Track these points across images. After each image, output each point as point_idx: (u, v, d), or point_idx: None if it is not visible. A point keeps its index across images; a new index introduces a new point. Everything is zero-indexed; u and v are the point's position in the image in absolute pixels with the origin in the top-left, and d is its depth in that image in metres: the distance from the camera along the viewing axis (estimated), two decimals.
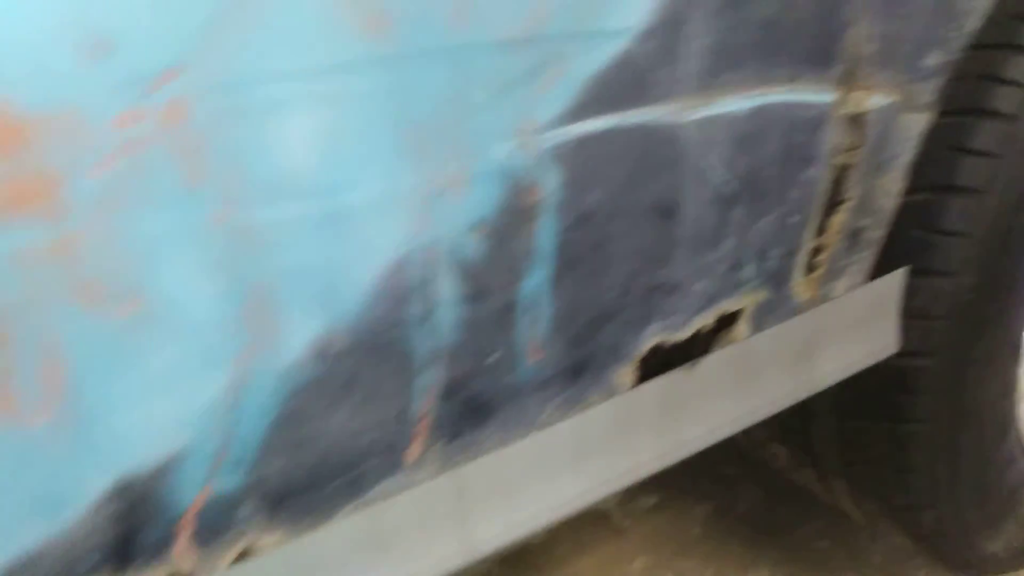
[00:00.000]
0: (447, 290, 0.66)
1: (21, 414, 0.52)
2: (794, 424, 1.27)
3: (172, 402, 0.58)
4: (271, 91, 0.52)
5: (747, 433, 1.09)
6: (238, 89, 0.51)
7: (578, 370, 0.79)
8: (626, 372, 0.83)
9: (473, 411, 0.75)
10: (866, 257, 0.99)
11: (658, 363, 0.85)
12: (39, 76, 0.45)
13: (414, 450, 0.73)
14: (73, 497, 0.57)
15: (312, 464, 0.68)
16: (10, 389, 0.51)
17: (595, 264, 0.75)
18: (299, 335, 0.61)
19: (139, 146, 0.49)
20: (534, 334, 0.74)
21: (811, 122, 0.85)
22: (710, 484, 1.72)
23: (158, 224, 0.52)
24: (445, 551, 0.74)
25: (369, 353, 0.65)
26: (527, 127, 0.65)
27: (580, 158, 0.69)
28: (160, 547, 0.64)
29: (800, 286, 0.94)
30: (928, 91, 0.93)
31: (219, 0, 0.48)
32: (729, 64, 0.74)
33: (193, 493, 0.63)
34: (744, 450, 1.48)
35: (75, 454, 0.56)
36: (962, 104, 0.98)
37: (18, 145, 0.46)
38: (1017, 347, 1.20)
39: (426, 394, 0.70)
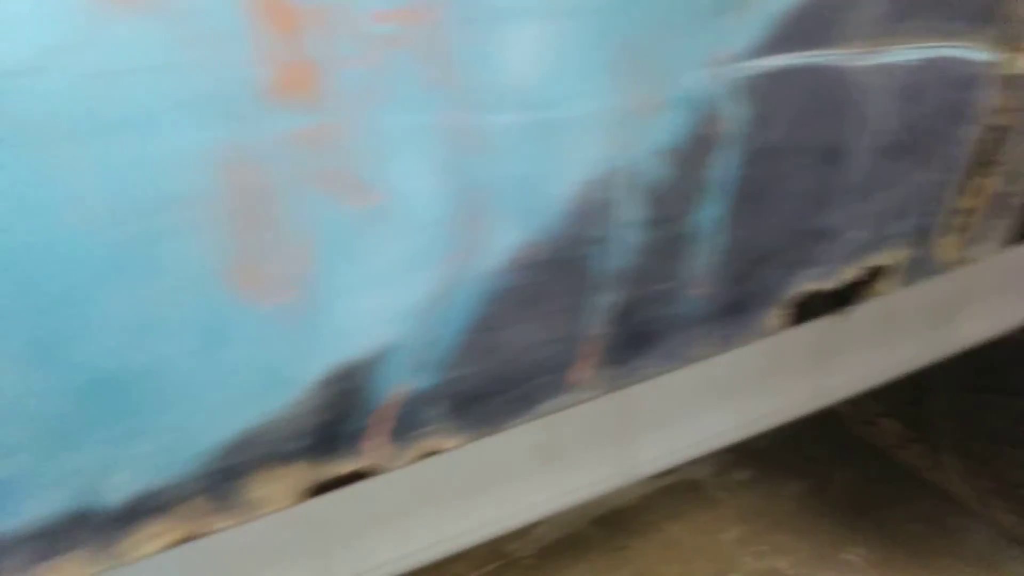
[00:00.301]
0: (630, 213, 0.70)
1: (266, 294, 0.58)
2: (909, 397, 1.28)
3: (389, 296, 0.62)
4: (505, 2, 0.57)
5: (856, 406, 1.11)
6: None
7: (733, 308, 0.82)
8: (776, 315, 0.86)
9: (636, 337, 0.78)
10: (1009, 224, 1.00)
11: (807, 309, 0.87)
12: None
13: (581, 370, 0.77)
14: (295, 379, 0.63)
15: (495, 372, 0.72)
16: (262, 268, 0.56)
17: (762, 202, 0.78)
18: (501, 243, 0.65)
19: (393, 43, 0.54)
20: (700, 267, 0.77)
21: (972, 79, 0.87)
22: (803, 462, 1.73)
23: (400, 121, 0.56)
24: (607, 470, 0.78)
25: (556, 268, 0.69)
26: (720, 57, 0.68)
27: (763, 93, 0.72)
28: (355, 439, 0.69)
29: (944, 246, 0.96)
30: None
31: None
32: (909, 12, 0.77)
33: (393, 388, 0.67)
34: (849, 424, 1.49)
35: (303, 337, 0.61)
36: None
37: (292, 30, 0.50)
38: None
39: (598, 315, 0.74)
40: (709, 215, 0.72)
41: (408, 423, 0.69)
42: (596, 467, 0.75)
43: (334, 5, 0.49)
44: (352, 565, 0.71)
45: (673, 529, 1.62)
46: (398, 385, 0.66)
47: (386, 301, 0.61)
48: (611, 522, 1.61)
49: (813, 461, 1.73)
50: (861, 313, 0.86)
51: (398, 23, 0.52)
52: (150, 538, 0.65)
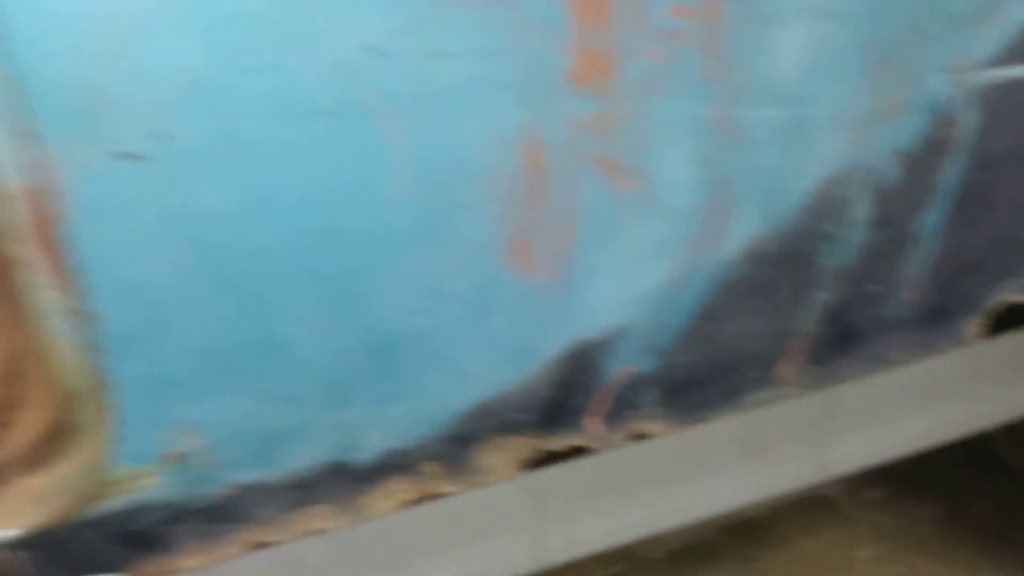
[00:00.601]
0: (860, 212, 0.72)
1: (532, 269, 0.62)
2: None
3: (634, 279, 0.66)
4: (783, 1, 0.60)
5: (1011, 428, 1.09)
6: None
7: (937, 314, 0.83)
8: (977, 324, 0.86)
9: (843, 337, 0.80)
10: None
11: (1005, 320, 0.87)
12: None
13: (787, 366, 0.79)
14: (539, 353, 0.67)
15: (709, 362, 0.75)
16: (533, 244, 0.60)
17: (980, 210, 0.79)
18: (739, 235, 0.68)
19: (679, 37, 0.57)
20: (913, 271, 0.79)
21: None
22: (941, 484, 1.70)
23: (672, 111, 0.60)
24: (803, 466, 0.80)
25: (784, 262, 0.71)
26: (963, 64, 0.70)
27: (995, 102, 0.73)
28: (577, 416, 0.72)
29: None
30: None
31: None
32: None
33: (617, 369, 0.71)
34: (997, 447, 1.47)
35: (555, 313, 0.65)
36: None
37: (601, 22, 0.54)
38: None
39: (813, 312, 0.76)
40: (931, 220, 0.74)
41: (623, 405, 0.73)
42: (793, 463, 0.77)
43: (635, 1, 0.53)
44: (564, 538, 0.74)
45: (805, 543, 1.61)
46: (623, 367, 0.70)
47: (631, 283, 0.65)
48: (741, 532, 1.61)
49: (952, 483, 1.70)
50: None
51: (689, 18, 0.55)
52: (386, 496, 0.69)
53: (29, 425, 0.60)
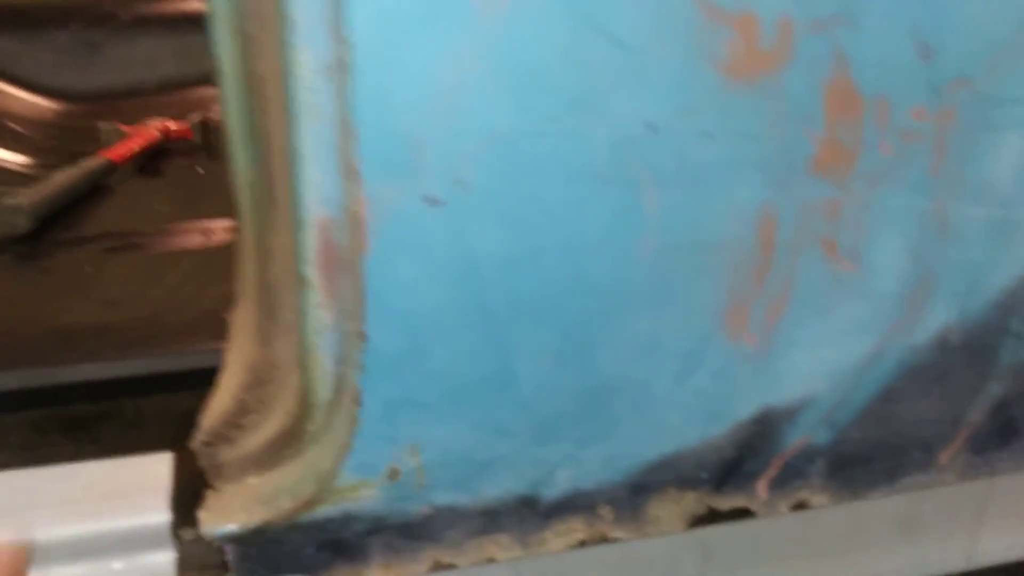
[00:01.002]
0: None
1: (742, 334, 0.67)
2: None
3: (832, 354, 0.71)
4: (1012, 111, 0.65)
5: None
6: (996, 104, 0.64)
7: None
8: None
9: (1004, 431, 0.83)
10: None
11: None
12: (878, 66, 0.59)
13: (949, 452, 0.82)
14: (730, 414, 0.72)
15: (877, 441, 0.79)
16: (749, 311, 0.65)
17: None
18: (932, 322, 0.72)
19: (914, 136, 0.63)
20: None
21: None
22: None
23: (895, 202, 0.65)
24: (955, 553, 0.82)
25: (968, 353, 0.76)
26: None
27: None
28: (750, 478, 0.77)
29: None
30: None
31: (1019, 23, 0.61)
32: None
33: (796, 438, 0.75)
34: None
35: (753, 378, 0.70)
36: None
37: (851, 115, 0.60)
38: None
39: (983, 403, 0.80)
40: None
41: (790, 473, 0.77)
42: (944, 548, 0.80)
43: (890, 98, 0.59)
44: None
45: None
46: (801, 436, 0.74)
47: (827, 358, 0.69)
48: None
49: None
50: None
51: (926, 120, 0.60)
52: (561, 534, 0.74)
53: (264, 429, 0.66)
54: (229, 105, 0.67)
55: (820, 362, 0.73)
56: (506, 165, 0.56)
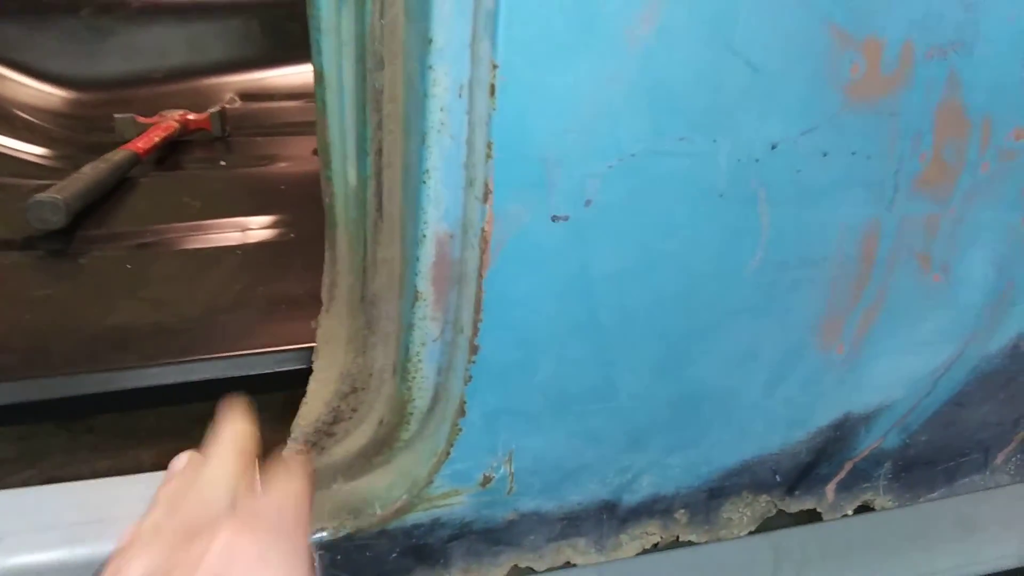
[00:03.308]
0: None
1: (832, 344, 0.74)
2: None
3: (912, 363, 0.78)
4: None
5: None
6: None
7: None
8: None
9: None
10: None
11: None
12: (987, 89, 0.65)
13: (1004, 454, 0.91)
14: (813, 420, 0.79)
15: (941, 444, 0.87)
16: (842, 322, 0.72)
17: None
18: (1008, 331, 0.80)
19: (1012, 155, 0.70)
20: None
21: None
22: None
23: (987, 218, 0.72)
24: (1009, 551, 0.92)
25: None
26: None
27: None
28: (821, 482, 0.84)
29: None
30: None
31: None
32: None
33: (869, 442, 0.83)
34: None
35: (837, 385, 0.77)
36: None
37: (959, 135, 0.66)
38: None
39: None
40: None
41: (857, 476, 0.85)
42: (1001, 546, 0.89)
43: (994, 119, 0.65)
44: None
45: None
46: (874, 441, 0.81)
47: (908, 366, 0.77)
48: None
49: None
50: None
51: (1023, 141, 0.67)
52: (636, 538, 0.81)
53: (356, 437, 0.71)
54: (333, 117, 0.70)
55: (901, 370, 0.80)
56: (633, 184, 0.61)
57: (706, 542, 0.85)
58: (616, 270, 0.65)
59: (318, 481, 0.75)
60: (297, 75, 1.91)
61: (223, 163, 1.51)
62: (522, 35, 0.55)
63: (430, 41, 0.56)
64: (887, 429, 0.84)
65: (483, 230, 0.60)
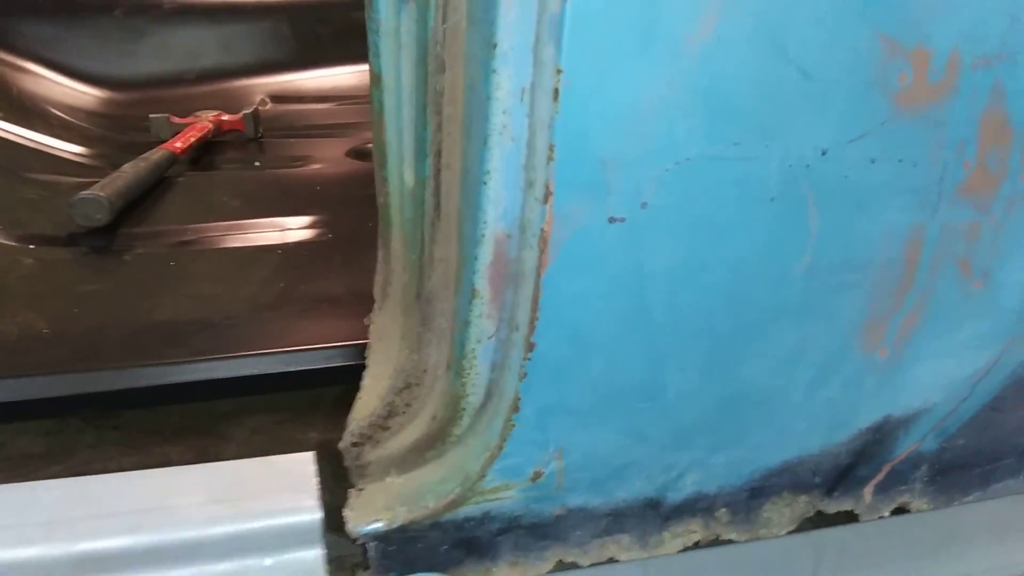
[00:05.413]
0: None
1: (875, 348, 0.77)
2: None
3: (952, 367, 0.81)
4: None
5: None
6: None
7: None
8: None
9: None
10: None
11: None
12: None
13: None
14: (854, 422, 0.82)
15: (976, 448, 0.90)
16: (885, 327, 0.75)
17: None
18: None
19: None
20: None
21: None
22: None
23: None
24: None
25: None
26: None
27: None
28: (860, 484, 0.87)
29: None
30: None
31: None
32: None
33: (907, 445, 0.86)
34: None
35: (878, 388, 0.80)
36: None
37: (1002, 143, 0.69)
38: None
39: None
40: None
41: (895, 479, 0.88)
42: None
43: None
44: None
45: None
46: (912, 444, 0.84)
47: (948, 370, 0.80)
48: None
49: None
50: None
51: None
52: (678, 535, 0.84)
53: (410, 432, 0.75)
54: (389, 118, 0.74)
55: (941, 374, 0.83)
56: (687, 187, 0.65)
57: (746, 541, 0.88)
58: (668, 270, 0.68)
59: (372, 474, 0.79)
60: (327, 78, 1.95)
61: (257, 164, 1.55)
62: (586, 40, 0.58)
63: (495, 45, 0.60)
64: (925, 432, 0.87)
65: (542, 230, 0.64)
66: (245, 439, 0.81)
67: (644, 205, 0.64)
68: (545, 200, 0.63)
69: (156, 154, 1.38)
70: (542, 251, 0.65)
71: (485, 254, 0.66)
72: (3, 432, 0.84)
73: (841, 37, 0.63)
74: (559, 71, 0.59)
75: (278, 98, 1.87)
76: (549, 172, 0.62)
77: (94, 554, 0.72)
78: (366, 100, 1.90)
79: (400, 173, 0.78)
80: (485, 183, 0.64)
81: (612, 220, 0.64)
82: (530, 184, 0.63)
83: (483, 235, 0.66)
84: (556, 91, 0.59)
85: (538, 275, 0.65)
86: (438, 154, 0.70)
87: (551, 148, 0.61)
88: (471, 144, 0.65)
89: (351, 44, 2.02)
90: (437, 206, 0.72)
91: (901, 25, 0.64)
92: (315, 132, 1.71)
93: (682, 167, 0.64)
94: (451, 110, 0.68)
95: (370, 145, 1.61)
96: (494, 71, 0.60)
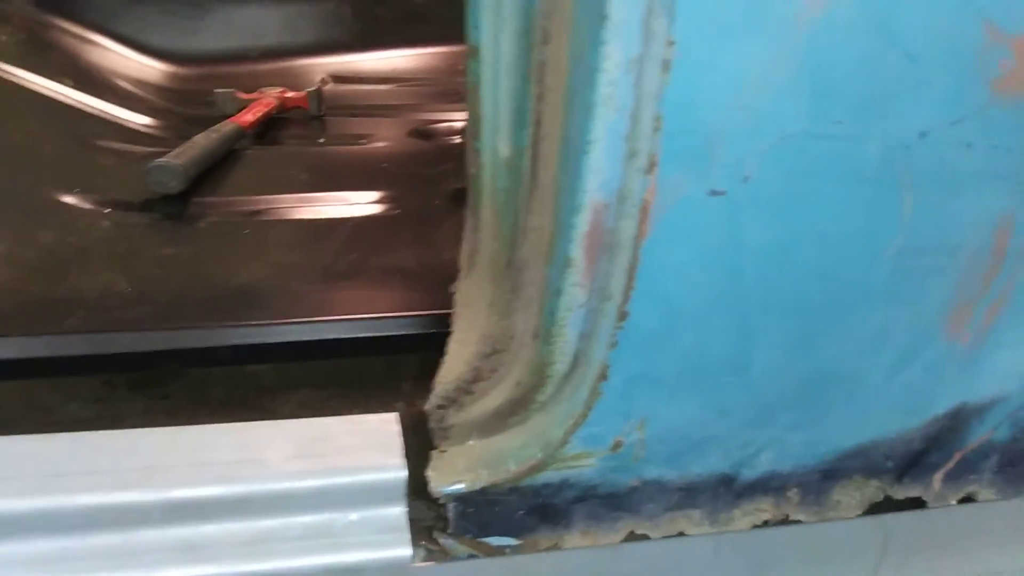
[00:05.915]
0: None
1: (958, 333, 0.78)
2: None
3: None
4: None
5: None
6: None
7: None
8: None
9: None
10: None
11: None
12: None
13: None
14: (930, 407, 0.83)
15: None
16: (970, 312, 0.77)
17: None
18: None
19: None
20: None
21: None
22: None
23: None
24: None
25: None
26: None
27: None
28: (930, 470, 0.88)
29: None
30: None
31: None
32: None
33: (980, 434, 0.87)
34: None
35: (957, 374, 0.81)
36: None
37: None
38: None
39: None
40: None
41: (964, 467, 0.89)
42: None
43: None
44: None
45: None
46: (985, 433, 0.85)
47: None
48: None
49: None
50: None
51: None
52: (747, 514, 0.86)
53: (494, 396, 0.77)
54: (486, 91, 0.76)
55: (1018, 364, 0.84)
56: (788, 163, 0.66)
57: (814, 522, 0.90)
58: (764, 245, 0.70)
59: (455, 437, 0.81)
60: (386, 60, 1.98)
61: (321, 140, 1.58)
62: (698, 13, 0.60)
63: (606, 17, 0.61)
64: (999, 422, 0.88)
65: (643, 200, 0.66)
66: (319, 404, 0.84)
67: (746, 179, 0.66)
68: (649, 171, 0.64)
69: (226, 127, 1.41)
70: (641, 221, 0.66)
71: (582, 223, 0.68)
72: (52, 398, 0.87)
73: (946, 21, 0.64)
74: (671, 43, 0.60)
75: (338, 78, 1.90)
76: (655, 143, 0.64)
77: (187, 501, 0.75)
78: (424, 83, 1.95)
79: (494, 145, 0.80)
80: (587, 153, 0.66)
81: (713, 193, 0.66)
82: (632, 154, 0.65)
83: (581, 204, 0.68)
84: (667, 63, 0.61)
85: (636, 245, 0.67)
86: (537, 123, 0.72)
87: (658, 119, 0.63)
88: (574, 114, 0.67)
89: (409, 28, 2.06)
90: (534, 176, 0.74)
91: (1006, 12, 0.65)
92: (375, 112, 1.74)
93: (785, 143, 0.65)
94: (553, 80, 0.70)
95: (431, 125, 1.64)
96: (603, 42, 0.62)
